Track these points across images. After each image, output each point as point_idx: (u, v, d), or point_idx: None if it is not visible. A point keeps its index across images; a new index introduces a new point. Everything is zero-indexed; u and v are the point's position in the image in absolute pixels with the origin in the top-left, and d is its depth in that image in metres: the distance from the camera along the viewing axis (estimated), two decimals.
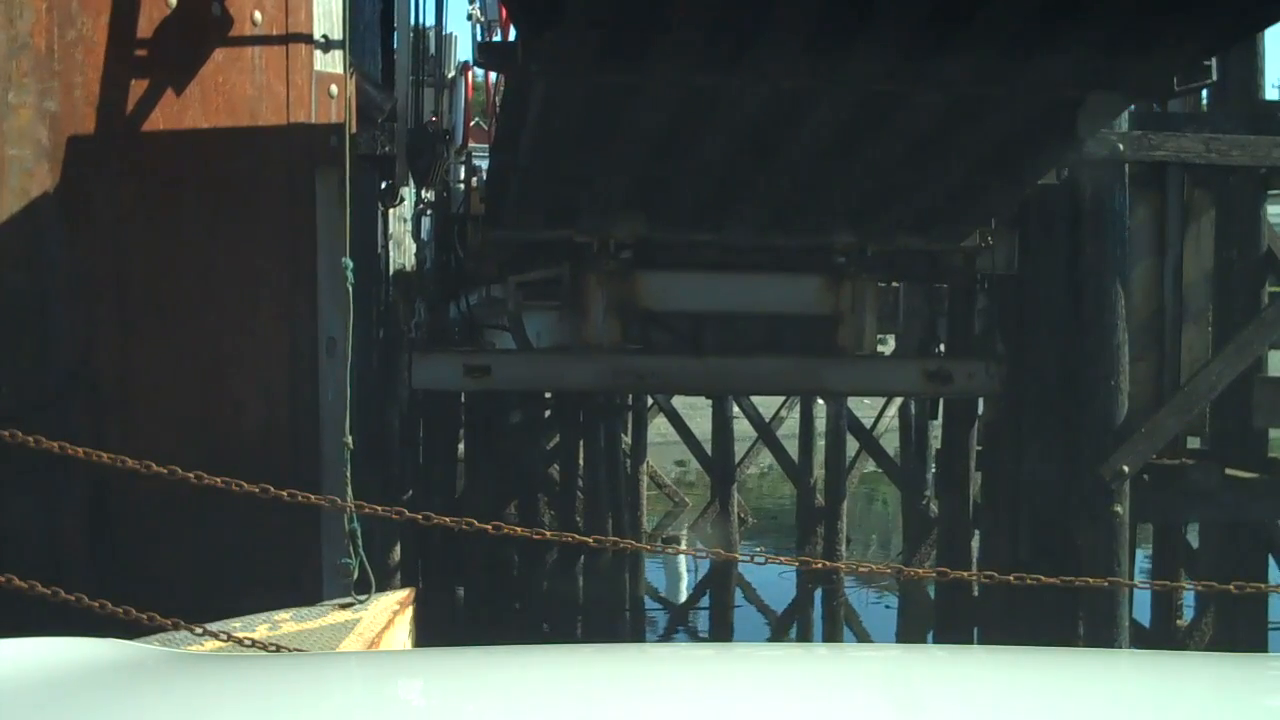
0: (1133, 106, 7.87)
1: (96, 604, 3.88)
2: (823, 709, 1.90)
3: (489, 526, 4.22)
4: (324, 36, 6.06)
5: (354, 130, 6.36)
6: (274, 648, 3.76)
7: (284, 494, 4.10)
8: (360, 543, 4.15)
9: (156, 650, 2.37)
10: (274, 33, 5.95)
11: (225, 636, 3.80)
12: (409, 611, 4.57)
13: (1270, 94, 9.44)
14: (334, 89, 6.13)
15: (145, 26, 5.71)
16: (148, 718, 1.88)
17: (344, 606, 4.59)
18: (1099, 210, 7.87)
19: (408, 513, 4.35)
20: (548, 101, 6.52)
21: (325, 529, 6.00)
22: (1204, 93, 9.03)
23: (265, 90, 5.95)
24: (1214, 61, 6.48)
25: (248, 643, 3.79)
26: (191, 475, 4.08)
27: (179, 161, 5.85)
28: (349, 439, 4.14)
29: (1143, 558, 10.65)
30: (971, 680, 2.08)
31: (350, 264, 4.18)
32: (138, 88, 5.76)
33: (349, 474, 4.09)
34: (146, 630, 3.78)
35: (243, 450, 5.64)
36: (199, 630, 3.76)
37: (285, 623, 4.26)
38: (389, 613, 4.47)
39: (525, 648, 2.38)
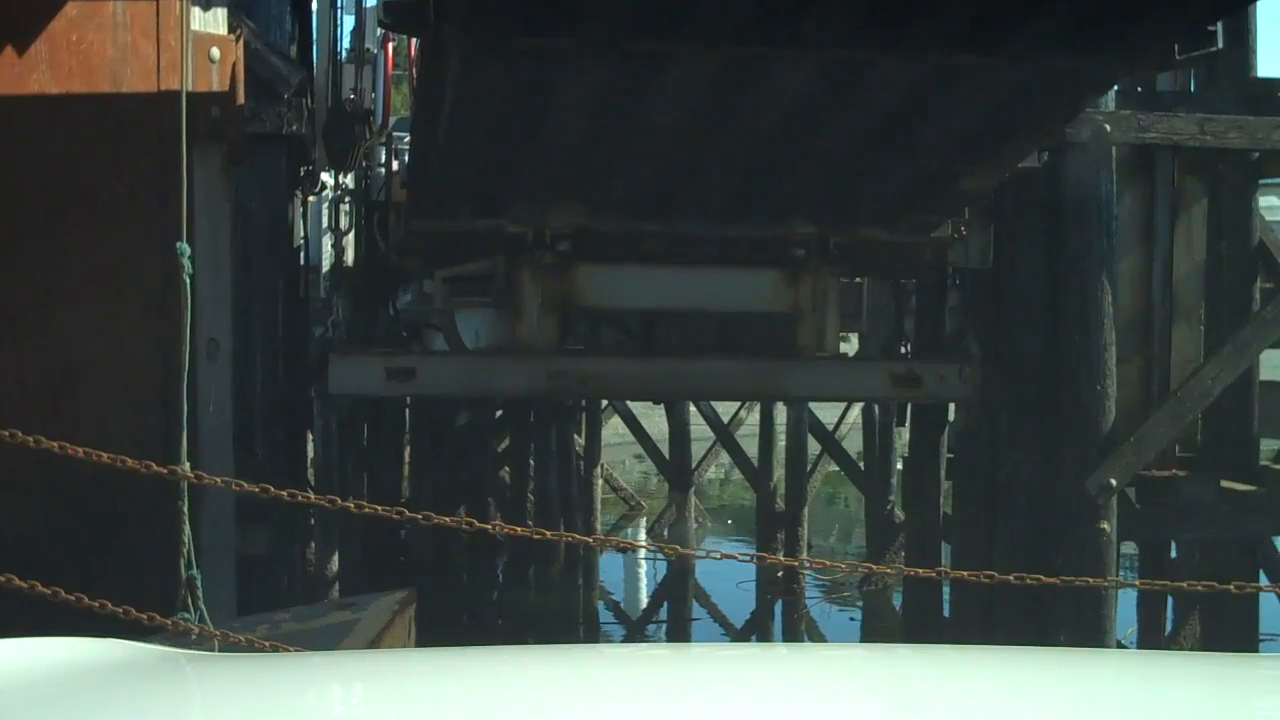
0: (1116, 87, 7.29)
1: (97, 604, 3.86)
2: (806, 709, 1.93)
3: (488, 526, 4.62)
4: None
5: (240, 101, 5.56)
6: (274, 648, 3.81)
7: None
8: (201, 593, 3.39)
9: (156, 650, 2.37)
10: None
11: (225, 636, 3.84)
12: (409, 611, 4.76)
13: None
14: (216, 52, 5.32)
15: None
16: (148, 718, 1.90)
17: (344, 606, 4.87)
18: (1083, 198, 7.44)
19: (408, 512, 4.28)
20: (466, 70, 5.92)
21: (207, 559, 5.22)
22: (1190, 73, 8.51)
23: (130, 51, 5.14)
24: (1219, 27, 5.84)
25: (248, 643, 3.83)
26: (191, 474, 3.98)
27: (22, 134, 5.03)
28: (186, 465, 3.37)
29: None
30: (951, 679, 2.10)
31: (188, 250, 3.47)
32: None
33: (186, 510, 3.31)
34: (146, 630, 3.76)
35: (102, 473, 4.81)
36: (199, 630, 3.80)
37: (285, 623, 4.45)
38: (389, 613, 4.63)
39: (526, 648, 2.45)
